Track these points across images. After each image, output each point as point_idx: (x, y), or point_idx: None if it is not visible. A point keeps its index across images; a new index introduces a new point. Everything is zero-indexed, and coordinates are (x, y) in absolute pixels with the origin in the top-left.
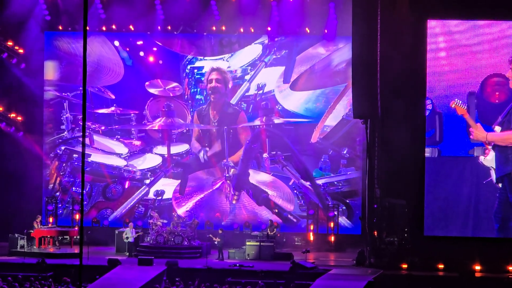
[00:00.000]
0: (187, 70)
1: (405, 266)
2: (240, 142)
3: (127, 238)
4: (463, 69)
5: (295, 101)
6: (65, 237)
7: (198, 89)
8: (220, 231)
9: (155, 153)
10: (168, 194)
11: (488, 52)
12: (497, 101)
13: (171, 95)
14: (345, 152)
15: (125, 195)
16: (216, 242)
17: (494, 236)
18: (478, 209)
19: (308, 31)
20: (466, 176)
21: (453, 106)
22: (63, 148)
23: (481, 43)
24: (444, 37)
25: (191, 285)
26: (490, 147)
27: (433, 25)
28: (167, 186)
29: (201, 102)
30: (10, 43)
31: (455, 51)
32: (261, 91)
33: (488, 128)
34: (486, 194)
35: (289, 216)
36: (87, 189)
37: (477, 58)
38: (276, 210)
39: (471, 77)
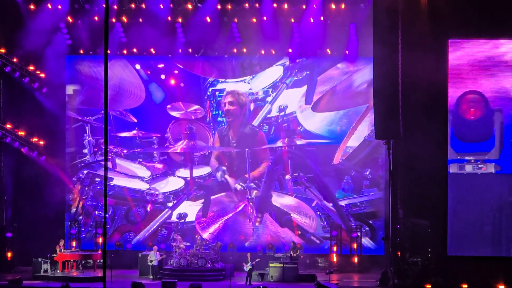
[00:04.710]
0: (208, 93)
1: (429, 286)
2: (259, 161)
3: (151, 261)
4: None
5: (317, 122)
6: (88, 260)
7: (220, 111)
8: (248, 255)
9: (178, 176)
10: (191, 217)
11: (466, 68)
12: (472, 117)
13: (193, 117)
14: (367, 173)
15: (148, 218)
16: (246, 268)
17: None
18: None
19: (329, 52)
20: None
21: None
22: (85, 172)
23: (460, 59)
24: None
25: None
26: None
27: None
28: (190, 208)
29: (222, 124)
30: (31, 68)
31: None
32: (282, 113)
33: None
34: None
35: (312, 237)
36: (110, 213)
37: (453, 75)
38: (299, 232)
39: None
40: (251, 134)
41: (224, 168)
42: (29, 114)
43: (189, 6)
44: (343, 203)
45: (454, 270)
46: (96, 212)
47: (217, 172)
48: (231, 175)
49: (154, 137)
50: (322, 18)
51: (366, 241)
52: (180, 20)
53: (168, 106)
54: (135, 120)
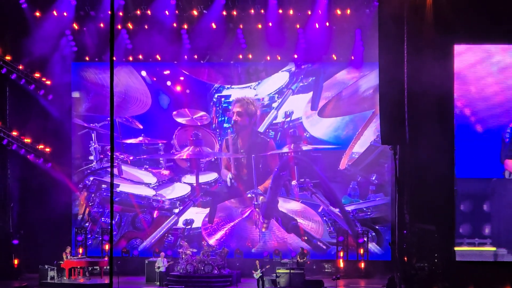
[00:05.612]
0: (214, 99)
1: None
2: (270, 169)
3: (158, 268)
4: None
5: (323, 128)
6: (95, 267)
7: (226, 118)
8: (257, 262)
9: (184, 182)
10: (197, 223)
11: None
12: None
13: (199, 124)
14: (373, 178)
15: (154, 225)
16: (256, 276)
17: None
18: None
19: (335, 58)
20: None
21: None
22: (91, 178)
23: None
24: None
25: None
26: None
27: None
28: (196, 215)
29: (229, 130)
30: (37, 75)
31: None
32: (288, 119)
33: None
34: None
35: (318, 243)
36: (116, 219)
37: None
38: (306, 237)
39: None
40: (261, 143)
41: (233, 173)
42: (35, 121)
43: (195, 13)
44: (349, 208)
45: (461, 275)
46: (103, 218)
47: (226, 176)
48: (240, 183)
49: (160, 144)
50: (327, 24)
51: (372, 246)
52: (185, 26)
53: (174, 112)
54: (141, 127)
